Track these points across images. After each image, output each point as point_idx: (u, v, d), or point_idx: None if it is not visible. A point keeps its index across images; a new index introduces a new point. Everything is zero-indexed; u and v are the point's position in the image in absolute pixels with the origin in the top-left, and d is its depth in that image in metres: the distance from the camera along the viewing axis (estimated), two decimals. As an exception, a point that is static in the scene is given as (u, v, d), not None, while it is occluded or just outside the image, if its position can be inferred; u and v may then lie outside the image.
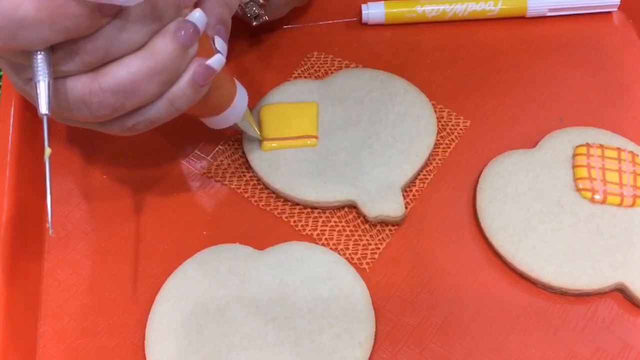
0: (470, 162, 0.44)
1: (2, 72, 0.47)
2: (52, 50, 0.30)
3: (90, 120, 0.33)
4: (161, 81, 0.32)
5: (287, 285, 0.38)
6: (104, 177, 0.44)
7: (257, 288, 0.38)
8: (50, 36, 0.28)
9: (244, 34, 0.50)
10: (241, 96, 0.39)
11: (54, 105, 0.31)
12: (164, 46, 0.31)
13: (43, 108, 0.30)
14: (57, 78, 0.30)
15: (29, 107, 0.45)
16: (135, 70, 0.31)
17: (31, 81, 0.31)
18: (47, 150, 0.30)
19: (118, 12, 0.29)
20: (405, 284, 0.39)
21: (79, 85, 0.31)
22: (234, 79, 0.39)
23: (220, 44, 0.36)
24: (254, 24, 0.47)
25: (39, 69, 0.29)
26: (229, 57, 0.40)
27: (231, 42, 0.40)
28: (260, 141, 0.43)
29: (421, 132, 0.44)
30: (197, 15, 0.32)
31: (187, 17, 0.32)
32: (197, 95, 0.34)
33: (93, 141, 0.46)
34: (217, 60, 0.34)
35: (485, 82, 0.48)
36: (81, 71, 0.31)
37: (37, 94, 0.30)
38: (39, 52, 0.29)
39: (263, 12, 0.47)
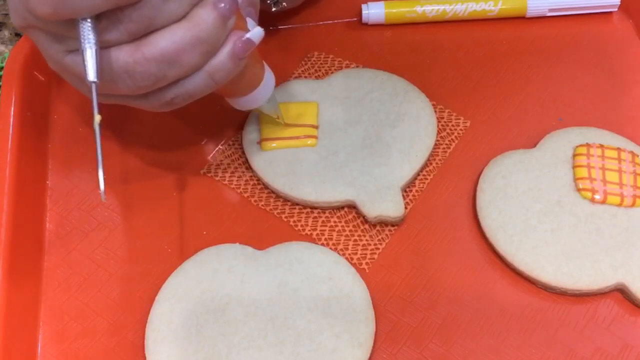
0: (470, 162, 0.44)
1: (1, 73, 0.47)
2: (97, 19, 0.30)
3: (132, 92, 0.33)
4: (203, 51, 0.32)
5: (287, 285, 0.38)
6: (104, 177, 0.44)
7: (257, 288, 0.38)
8: (100, 3, 0.28)
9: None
10: (269, 78, 0.40)
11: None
12: (205, 16, 0.31)
13: (91, 75, 0.30)
14: (100, 48, 0.30)
15: (29, 107, 0.45)
16: (178, 39, 0.31)
17: (70, 53, 0.32)
18: (97, 117, 0.30)
19: None
20: (405, 284, 0.39)
21: (122, 55, 0.31)
22: (263, 61, 0.40)
23: (252, 24, 0.36)
24: (273, 9, 0.48)
25: (86, 36, 0.29)
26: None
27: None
28: (259, 141, 0.43)
29: (421, 132, 0.44)
30: None
31: None
32: (236, 68, 0.34)
33: (92, 141, 0.46)
34: (256, 33, 0.34)
35: (485, 82, 0.48)
36: (124, 41, 0.31)
37: (85, 61, 0.30)
38: (86, 20, 0.29)
39: None
